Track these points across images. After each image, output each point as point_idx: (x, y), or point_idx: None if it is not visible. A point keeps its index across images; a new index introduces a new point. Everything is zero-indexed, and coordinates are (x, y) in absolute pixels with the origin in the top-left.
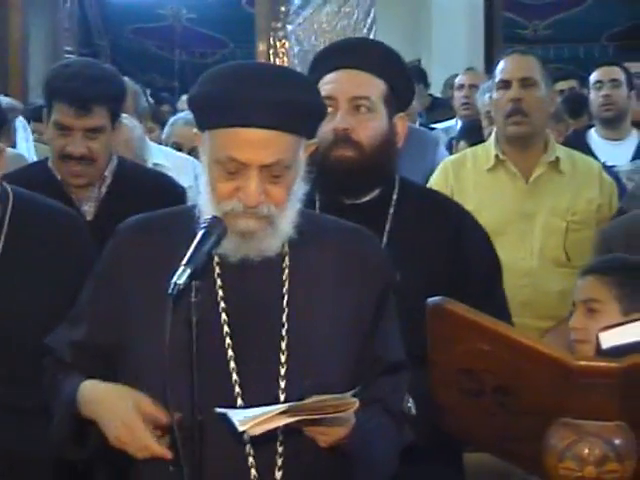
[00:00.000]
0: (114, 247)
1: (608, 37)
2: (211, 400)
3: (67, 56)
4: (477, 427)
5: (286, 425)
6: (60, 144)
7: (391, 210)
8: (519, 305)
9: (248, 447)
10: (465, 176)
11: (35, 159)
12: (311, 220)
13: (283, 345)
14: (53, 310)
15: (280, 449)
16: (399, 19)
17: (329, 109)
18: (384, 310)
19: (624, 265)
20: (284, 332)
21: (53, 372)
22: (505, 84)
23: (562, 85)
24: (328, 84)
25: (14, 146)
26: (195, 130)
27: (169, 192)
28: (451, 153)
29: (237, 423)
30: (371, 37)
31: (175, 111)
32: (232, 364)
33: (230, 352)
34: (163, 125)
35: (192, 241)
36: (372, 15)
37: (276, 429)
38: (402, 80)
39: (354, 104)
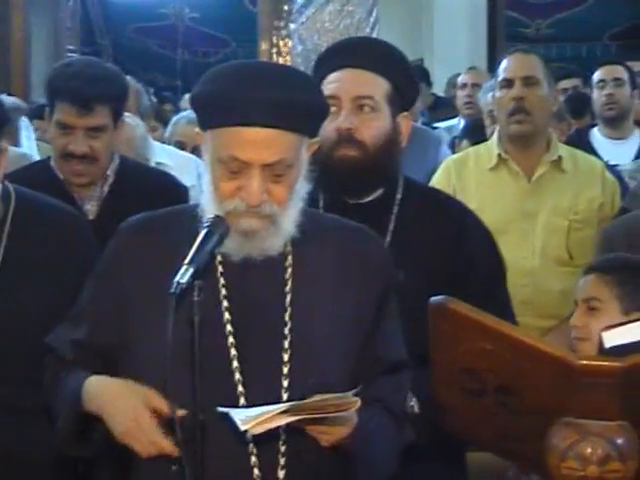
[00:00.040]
0: (116, 246)
1: (610, 36)
2: (213, 399)
3: (69, 55)
4: (479, 427)
5: (288, 424)
6: (62, 143)
7: (395, 210)
8: (520, 304)
9: (251, 446)
10: (467, 175)
11: (37, 158)
12: (313, 219)
13: (286, 344)
14: (55, 310)
15: (283, 448)
16: (402, 18)
17: (332, 108)
18: (385, 309)
19: (625, 264)
20: (287, 331)
21: (55, 370)
22: (508, 83)
23: (565, 84)
24: (331, 83)
25: (18, 145)
26: (197, 129)
27: (171, 191)
28: (454, 152)
29: (239, 422)
30: (374, 36)
31: (178, 110)
32: (235, 363)
33: (233, 351)
34: (166, 124)
35: (194, 240)
36: (375, 14)
37: (278, 428)
38: (406, 79)
39: (357, 103)
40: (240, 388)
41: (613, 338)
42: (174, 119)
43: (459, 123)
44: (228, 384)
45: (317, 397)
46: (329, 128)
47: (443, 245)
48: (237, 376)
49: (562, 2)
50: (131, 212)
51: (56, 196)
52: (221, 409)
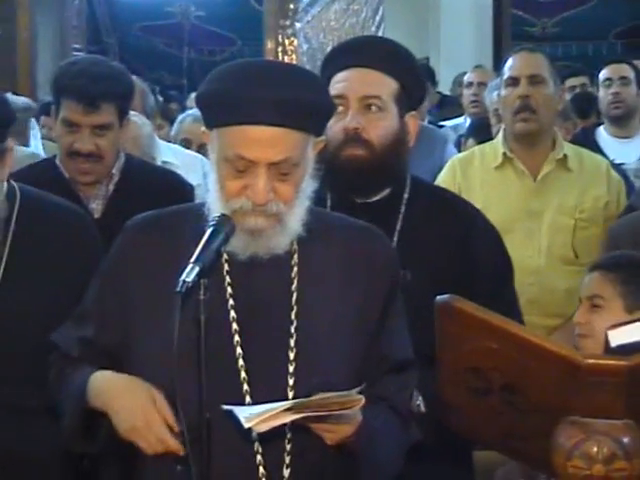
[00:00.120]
0: (122, 244)
1: (616, 35)
2: (219, 398)
3: (75, 54)
4: (484, 426)
5: (293, 423)
6: (68, 141)
7: (402, 209)
8: (526, 303)
9: (256, 445)
10: (473, 174)
11: (44, 157)
12: (319, 218)
13: (292, 342)
14: (60, 308)
15: (288, 447)
16: (407, 17)
17: (340, 108)
18: (391, 308)
19: (630, 262)
20: (292, 329)
21: (60, 367)
22: (513, 81)
23: (573, 82)
24: (339, 83)
25: (27, 145)
26: (203, 128)
27: (177, 190)
28: (459, 151)
29: (243, 420)
30: (379, 35)
31: (184, 109)
32: (240, 361)
33: (239, 349)
34: (172, 123)
35: (200, 239)
36: (380, 13)
37: (284, 427)
38: (413, 78)
39: (365, 103)
40: (245, 387)
41: (619, 337)
42: (180, 117)
43: (465, 122)
44: (233, 383)
45: (321, 395)
46: (336, 128)
47: (450, 244)
48: (242, 375)
49: (568, 1)
50: (137, 211)
51: (61, 194)
52: (225, 407)
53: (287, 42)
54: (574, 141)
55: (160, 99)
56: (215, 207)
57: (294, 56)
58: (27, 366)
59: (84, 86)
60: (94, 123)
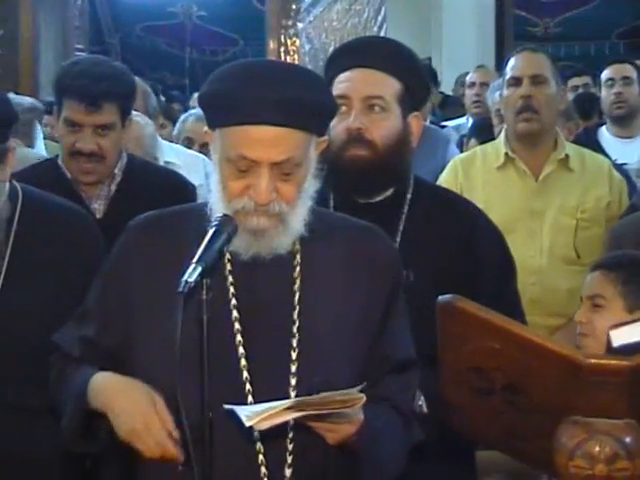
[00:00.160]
0: (124, 244)
1: (618, 35)
2: (221, 398)
3: (77, 54)
4: (487, 425)
5: (295, 422)
6: (70, 141)
7: (405, 209)
8: (528, 303)
9: (258, 444)
10: (474, 174)
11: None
12: (322, 218)
13: (294, 342)
14: (62, 309)
15: (290, 447)
16: (410, 17)
17: (343, 108)
18: (393, 308)
19: (631, 262)
20: (295, 329)
21: (61, 367)
22: (516, 81)
23: (576, 81)
24: (342, 83)
25: (33, 145)
26: (206, 128)
27: (179, 190)
28: (462, 151)
29: (244, 418)
30: (381, 35)
31: (186, 109)
32: (243, 361)
33: (241, 349)
34: (175, 122)
35: (203, 239)
36: (383, 13)
37: (285, 426)
38: (416, 79)
39: (368, 103)
40: (248, 386)
41: (621, 337)
42: (182, 117)
43: (467, 121)
44: (236, 382)
45: (322, 394)
46: (339, 128)
47: (453, 245)
48: (245, 374)
49: (570, 1)
50: (139, 211)
51: (63, 195)
52: (227, 406)
53: (289, 42)
54: (576, 141)
55: (162, 99)
56: (217, 207)
57: (296, 56)
58: (29, 366)
59: (86, 86)
60: (96, 123)
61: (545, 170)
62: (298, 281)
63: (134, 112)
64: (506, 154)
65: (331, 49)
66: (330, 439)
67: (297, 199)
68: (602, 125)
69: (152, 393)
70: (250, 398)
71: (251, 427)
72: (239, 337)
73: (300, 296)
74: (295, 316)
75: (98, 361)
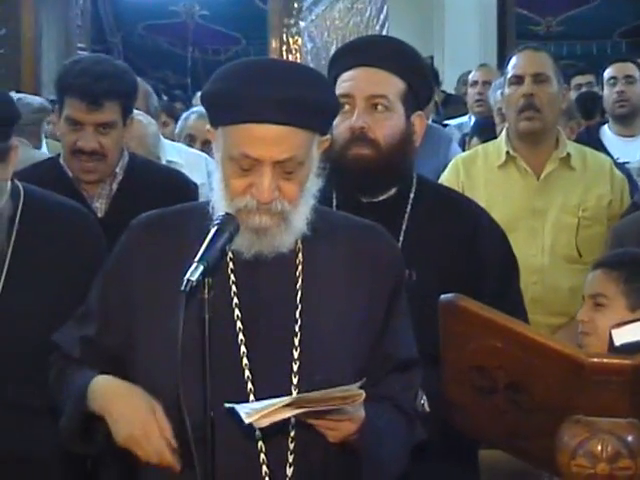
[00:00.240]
0: (126, 243)
1: (620, 34)
2: (223, 397)
3: (79, 53)
4: (489, 424)
5: (296, 421)
6: (71, 139)
7: (408, 209)
8: (530, 302)
9: (259, 443)
10: (476, 173)
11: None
12: (324, 217)
13: (296, 341)
14: (63, 308)
15: (291, 445)
16: (412, 15)
17: (346, 107)
18: (396, 307)
19: (633, 260)
20: (297, 328)
21: (61, 367)
22: (518, 79)
23: (579, 80)
24: (345, 82)
25: (40, 145)
26: (208, 126)
27: (181, 189)
28: (464, 150)
29: (243, 415)
30: (384, 34)
31: (188, 108)
32: (245, 360)
33: (243, 348)
34: (177, 121)
35: (205, 238)
36: (385, 12)
37: (287, 425)
38: (420, 78)
39: (371, 102)
40: (250, 385)
41: (623, 335)
42: (184, 114)
43: (469, 120)
44: (238, 381)
45: (322, 390)
46: (342, 127)
47: (456, 244)
48: (247, 373)
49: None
50: (140, 210)
51: (65, 193)
52: (227, 405)
53: (291, 41)
54: (578, 139)
55: (165, 98)
56: (220, 206)
57: (298, 55)
58: (30, 365)
59: (87, 84)
60: (97, 121)
61: (547, 169)
62: (300, 280)
63: (136, 111)
64: (507, 153)
65: (333, 48)
66: (331, 437)
67: (299, 198)
68: (604, 124)
69: (152, 400)
70: (252, 397)
71: (253, 426)
72: (241, 336)
73: (302, 295)
74: (297, 315)
75: (99, 361)
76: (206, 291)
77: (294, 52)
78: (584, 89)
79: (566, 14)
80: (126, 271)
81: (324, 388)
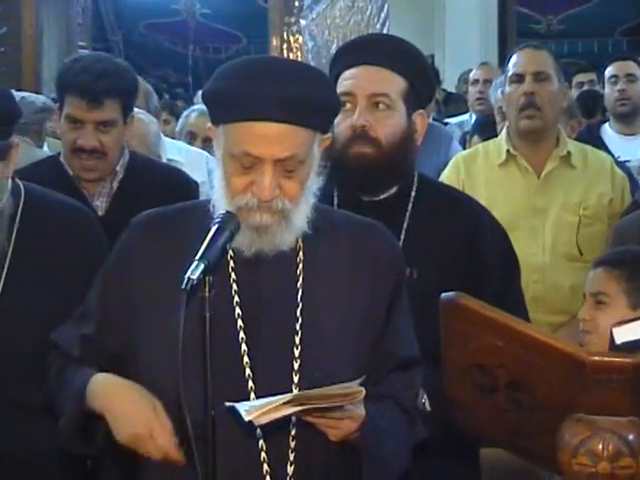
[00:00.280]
0: (126, 241)
1: (621, 32)
2: (224, 395)
3: (80, 51)
4: (490, 423)
5: (297, 419)
6: (72, 137)
7: (409, 207)
8: (531, 300)
9: (260, 442)
10: (476, 171)
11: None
12: (325, 215)
13: (297, 339)
14: (64, 306)
15: (292, 444)
16: (412, 14)
17: (347, 105)
18: (397, 305)
19: (635, 259)
20: (298, 326)
21: (60, 366)
22: (518, 78)
23: (581, 77)
24: (347, 80)
25: (42, 144)
26: (209, 124)
27: (182, 187)
28: (464, 148)
29: (243, 413)
30: (384, 32)
31: (190, 107)
32: (245, 358)
33: (244, 346)
34: (178, 118)
35: (205, 236)
36: (385, 10)
37: (288, 424)
38: (422, 77)
39: (373, 101)
40: (250, 383)
41: (624, 334)
42: (185, 112)
43: (470, 119)
44: (239, 379)
45: (322, 388)
46: (344, 125)
47: (457, 243)
48: (248, 371)
49: None
50: (141, 208)
51: (65, 192)
52: (228, 403)
53: (292, 39)
54: (579, 138)
55: (167, 97)
56: (220, 203)
57: (299, 53)
58: (31, 364)
59: (87, 82)
60: (97, 119)
61: (547, 167)
62: (301, 278)
63: (138, 110)
64: (508, 151)
65: (334, 46)
66: (332, 436)
67: (300, 196)
68: (605, 122)
69: (152, 397)
70: (252, 395)
71: (253, 424)
72: (242, 334)
73: (303, 293)
74: (298, 313)
75: (98, 360)
76: (207, 289)
77: (295, 50)
78: (586, 87)
79: (567, 12)
80: (126, 269)
81: (325, 386)
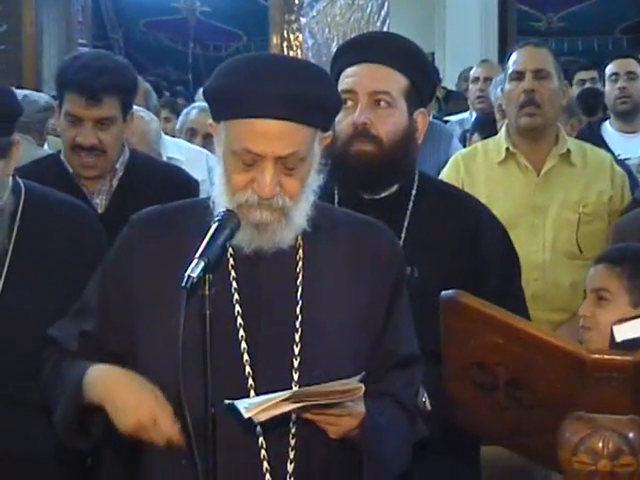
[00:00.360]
0: (126, 239)
1: (622, 30)
2: (224, 393)
3: (81, 49)
4: (490, 421)
5: (297, 417)
6: (71, 135)
7: (410, 205)
8: (531, 298)
9: (260, 440)
10: (476, 170)
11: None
12: (325, 213)
13: (297, 337)
14: (65, 304)
15: (292, 442)
16: (413, 12)
17: (349, 103)
18: (397, 304)
19: (636, 256)
20: (298, 324)
21: (56, 360)
22: (518, 75)
23: (583, 75)
24: (348, 77)
25: (43, 143)
26: (210, 121)
27: (182, 185)
28: (464, 146)
29: (242, 410)
30: (384, 30)
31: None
32: (245, 356)
33: (244, 344)
34: (179, 116)
35: (206, 234)
36: (386, 8)
37: (288, 421)
38: (423, 75)
39: (374, 98)
40: (250, 381)
41: (624, 332)
42: (186, 109)
43: (471, 116)
44: (238, 377)
45: (321, 384)
46: (345, 123)
47: (458, 241)
48: (247, 369)
49: None
50: (140, 206)
51: (65, 190)
52: (227, 401)
53: (292, 37)
54: (579, 136)
55: (167, 94)
56: (221, 200)
57: (299, 51)
58: (31, 363)
59: (86, 80)
60: (97, 117)
61: (547, 165)
62: (301, 276)
63: (138, 108)
64: (507, 149)
65: (334, 44)
66: (332, 433)
67: (300, 194)
68: (606, 120)
69: (152, 385)
70: (252, 393)
71: (253, 422)
72: (242, 332)
73: (303, 291)
74: (298, 311)
75: (97, 356)
76: (207, 287)
77: (295, 48)
78: (587, 85)
79: (567, 10)
80: (126, 267)
81: (322, 381)
